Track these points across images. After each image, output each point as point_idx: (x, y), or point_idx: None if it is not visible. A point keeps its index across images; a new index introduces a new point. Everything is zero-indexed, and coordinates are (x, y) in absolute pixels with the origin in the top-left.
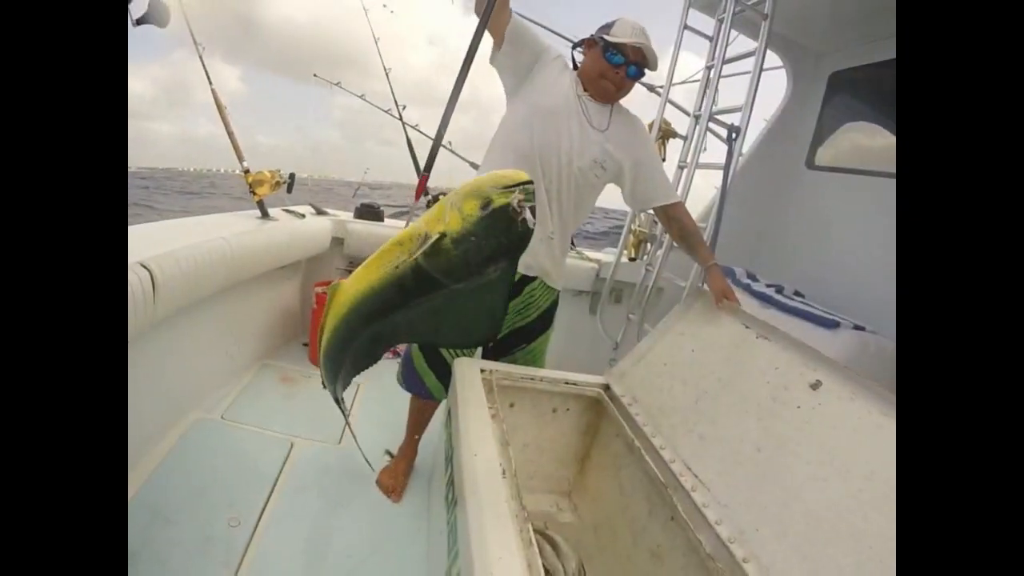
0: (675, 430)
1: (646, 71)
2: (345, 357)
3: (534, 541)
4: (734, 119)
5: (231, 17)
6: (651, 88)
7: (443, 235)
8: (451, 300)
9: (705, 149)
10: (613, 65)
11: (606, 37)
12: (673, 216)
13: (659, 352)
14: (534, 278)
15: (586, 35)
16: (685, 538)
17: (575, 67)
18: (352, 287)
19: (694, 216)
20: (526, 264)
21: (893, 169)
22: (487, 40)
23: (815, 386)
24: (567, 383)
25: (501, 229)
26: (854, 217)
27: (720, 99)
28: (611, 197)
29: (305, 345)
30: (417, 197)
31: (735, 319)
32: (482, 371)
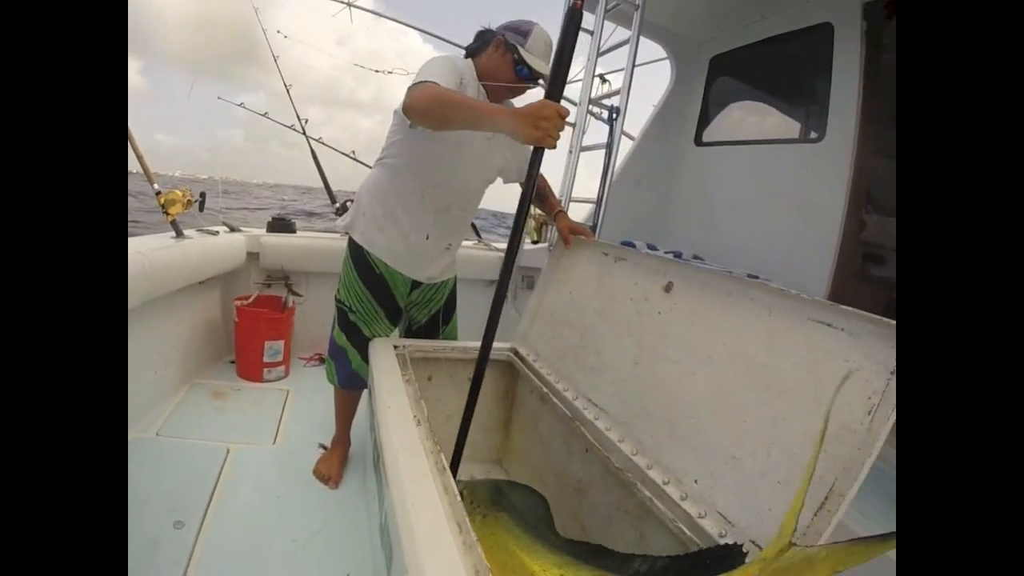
0: (571, 370)
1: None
2: None
3: (447, 467)
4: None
5: (132, 8)
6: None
7: None
8: None
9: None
10: (520, 78)
11: (521, 51)
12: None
13: (546, 305)
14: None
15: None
16: (600, 465)
17: (472, 55)
18: None
19: (591, 194)
20: (428, 276)
21: (770, 137)
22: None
23: (668, 288)
24: (477, 349)
25: None
26: (738, 183)
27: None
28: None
29: (232, 362)
30: None
31: (595, 251)
32: (395, 347)
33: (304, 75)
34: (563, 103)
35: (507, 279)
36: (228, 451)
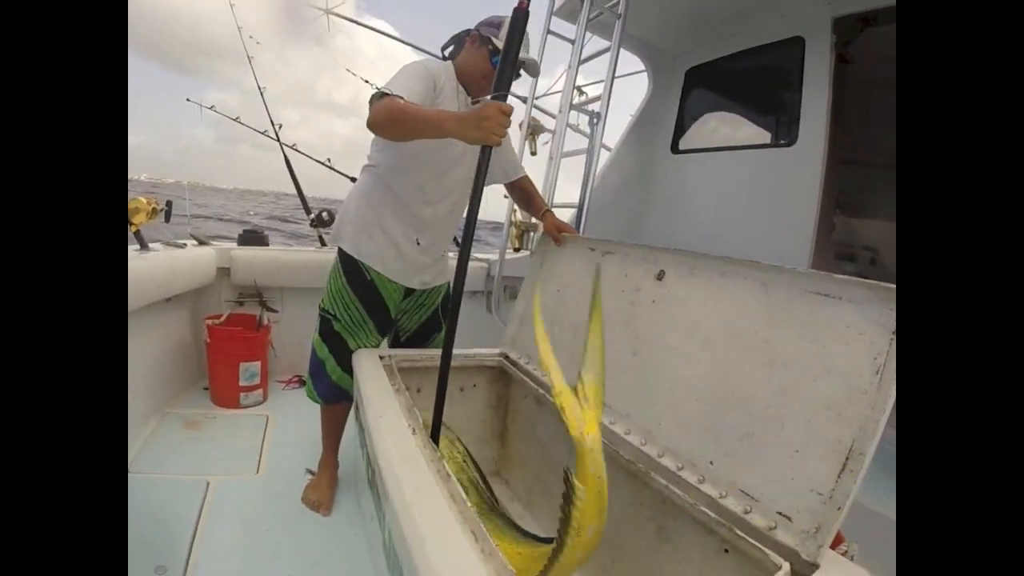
0: (566, 368)
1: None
2: None
3: (451, 474)
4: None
5: None
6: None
7: None
8: None
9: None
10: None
11: (495, 41)
12: (519, 186)
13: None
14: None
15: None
16: (608, 460)
17: (450, 56)
18: None
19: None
20: (422, 282)
21: (741, 144)
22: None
23: (660, 276)
24: (466, 356)
25: None
26: (713, 188)
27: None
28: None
29: (206, 388)
30: None
31: (581, 246)
32: (381, 357)
33: (282, 72)
34: (538, 114)
35: (461, 283)
36: (208, 485)
